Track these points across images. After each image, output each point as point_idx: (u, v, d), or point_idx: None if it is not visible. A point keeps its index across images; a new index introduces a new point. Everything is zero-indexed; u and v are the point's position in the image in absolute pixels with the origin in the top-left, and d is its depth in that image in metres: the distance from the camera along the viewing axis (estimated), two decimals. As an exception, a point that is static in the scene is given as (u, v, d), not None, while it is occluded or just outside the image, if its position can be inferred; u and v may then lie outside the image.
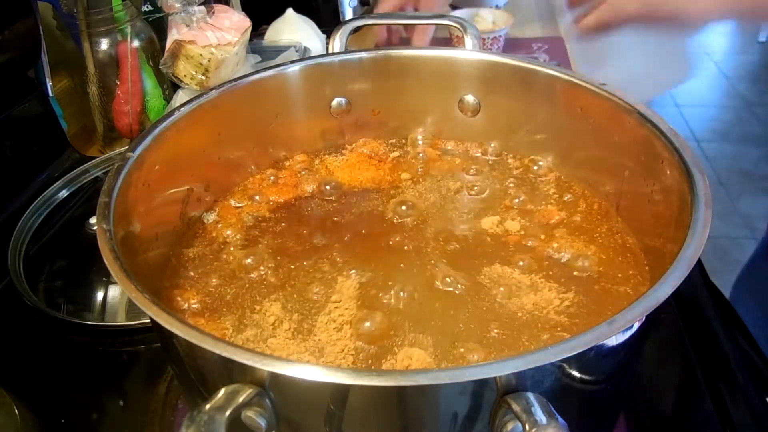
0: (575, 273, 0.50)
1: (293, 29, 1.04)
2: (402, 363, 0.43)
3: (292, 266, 0.52)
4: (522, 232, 0.55)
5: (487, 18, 1.14)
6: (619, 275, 0.50)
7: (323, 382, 0.30)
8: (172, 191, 0.54)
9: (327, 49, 0.70)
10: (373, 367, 0.43)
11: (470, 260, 0.52)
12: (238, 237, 0.56)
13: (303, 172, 0.64)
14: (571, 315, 0.46)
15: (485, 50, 0.66)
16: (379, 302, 0.48)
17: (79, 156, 0.84)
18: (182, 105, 0.55)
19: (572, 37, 0.56)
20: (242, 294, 0.50)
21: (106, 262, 0.38)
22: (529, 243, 0.53)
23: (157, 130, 0.51)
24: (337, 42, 0.68)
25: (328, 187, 0.61)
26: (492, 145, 0.66)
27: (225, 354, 0.31)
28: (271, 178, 0.63)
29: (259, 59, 0.92)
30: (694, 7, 0.50)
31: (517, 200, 0.59)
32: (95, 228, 0.41)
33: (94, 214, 0.42)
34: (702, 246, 0.37)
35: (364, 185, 0.63)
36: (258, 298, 0.50)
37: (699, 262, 0.36)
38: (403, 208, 0.58)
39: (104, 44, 0.80)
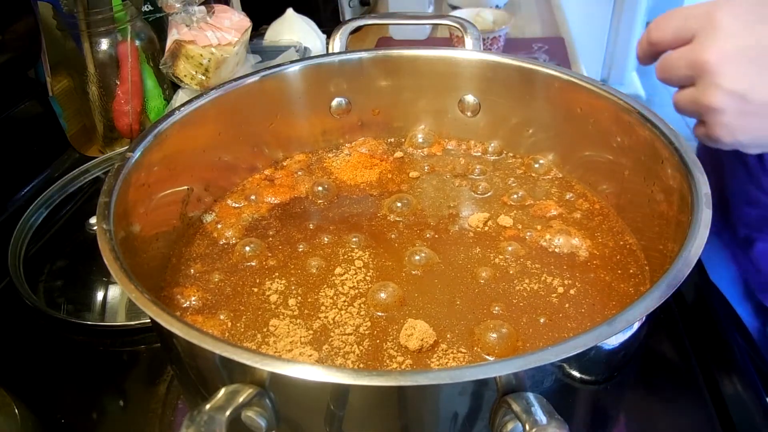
0: (573, 261, 0.50)
1: (293, 29, 1.04)
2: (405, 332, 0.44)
3: (292, 256, 0.52)
4: (519, 226, 0.56)
5: (487, 18, 1.14)
6: (619, 271, 0.50)
7: (323, 382, 0.30)
8: (171, 191, 0.54)
9: (327, 49, 0.70)
10: (371, 364, 0.43)
11: (472, 250, 0.52)
12: (237, 236, 0.56)
13: (300, 172, 0.64)
14: (573, 303, 0.47)
15: (485, 50, 0.66)
16: (380, 288, 0.48)
17: (79, 156, 0.84)
18: (182, 105, 0.55)
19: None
20: (242, 284, 0.51)
21: (106, 262, 0.38)
22: (528, 234, 0.54)
23: (157, 130, 0.51)
24: (337, 42, 0.68)
25: (327, 187, 0.61)
26: (492, 144, 0.66)
27: (225, 354, 0.31)
28: (271, 178, 0.63)
29: (259, 59, 0.92)
30: None
31: (515, 195, 0.59)
32: (95, 228, 0.41)
33: (94, 214, 0.42)
34: (702, 246, 0.37)
35: (365, 184, 0.63)
36: (258, 280, 0.51)
37: (699, 262, 0.36)
38: (400, 205, 0.58)
39: (104, 44, 0.80)
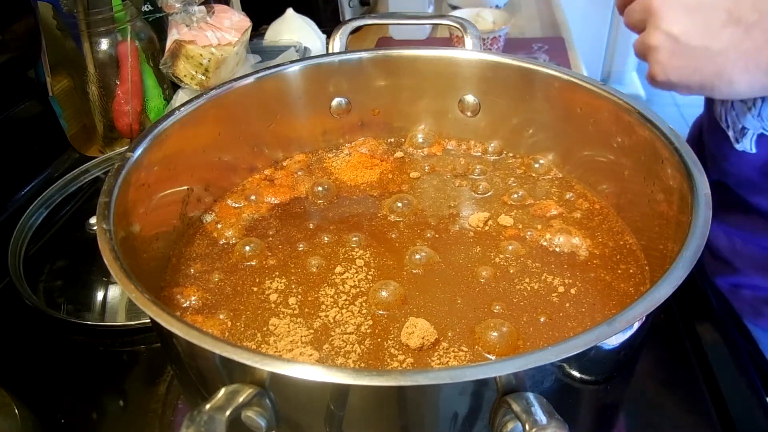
0: (573, 260, 0.50)
1: (293, 29, 1.04)
2: (407, 330, 0.44)
3: (292, 255, 0.52)
4: (519, 225, 0.56)
5: (487, 18, 1.14)
6: (619, 271, 0.50)
7: (323, 382, 0.30)
8: (171, 191, 0.54)
9: (327, 49, 0.70)
10: (372, 363, 0.43)
11: (472, 249, 0.52)
12: (237, 236, 0.56)
13: (300, 172, 0.64)
14: (574, 302, 0.47)
15: (485, 50, 0.66)
16: (380, 289, 0.48)
17: (79, 156, 0.84)
18: (182, 105, 0.55)
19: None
20: (242, 283, 0.51)
21: (106, 262, 0.38)
22: (528, 234, 0.54)
23: (157, 130, 0.51)
24: (337, 42, 0.68)
25: (327, 187, 0.61)
26: (492, 144, 0.66)
27: (225, 354, 0.31)
28: (271, 178, 0.63)
29: (259, 59, 0.92)
30: (742, 85, 0.47)
31: (515, 195, 0.59)
32: (95, 228, 0.41)
33: (94, 214, 0.42)
34: (702, 246, 0.37)
35: (365, 185, 0.63)
36: (258, 279, 0.51)
37: (699, 262, 0.36)
38: (400, 205, 0.58)
39: (104, 44, 0.80)
